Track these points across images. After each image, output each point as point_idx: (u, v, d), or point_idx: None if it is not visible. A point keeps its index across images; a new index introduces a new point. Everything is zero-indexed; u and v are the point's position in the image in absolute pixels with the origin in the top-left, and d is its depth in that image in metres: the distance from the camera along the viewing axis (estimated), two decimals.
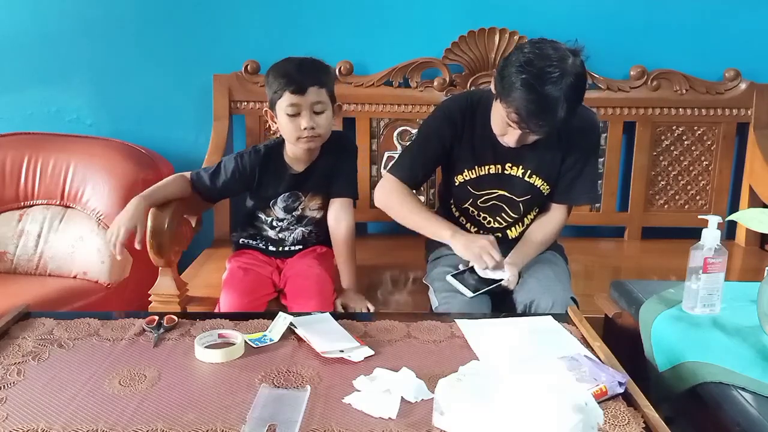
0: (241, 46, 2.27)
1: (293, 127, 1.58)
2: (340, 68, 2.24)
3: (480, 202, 1.68)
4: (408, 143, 2.26)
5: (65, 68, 2.31)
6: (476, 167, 1.64)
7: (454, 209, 1.76)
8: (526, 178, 1.63)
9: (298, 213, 1.74)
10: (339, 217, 1.71)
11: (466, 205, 1.70)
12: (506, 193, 1.66)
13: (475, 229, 1.73)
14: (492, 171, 1.64)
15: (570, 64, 1.38)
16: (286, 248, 1.79)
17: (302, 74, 1.57)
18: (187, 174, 1.72)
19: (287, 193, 1.72)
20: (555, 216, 1.70)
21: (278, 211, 1.73)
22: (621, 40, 2.27)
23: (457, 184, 1.68)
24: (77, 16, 2.26)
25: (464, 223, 1.74)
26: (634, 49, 2.28)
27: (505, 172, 1.64)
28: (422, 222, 1.61)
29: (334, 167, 1.72)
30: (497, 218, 1.70)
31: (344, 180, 1.73)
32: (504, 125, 1.49)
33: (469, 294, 1.52)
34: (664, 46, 2.28)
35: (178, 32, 2.28)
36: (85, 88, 2.32)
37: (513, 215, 1.69)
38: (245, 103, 2.27)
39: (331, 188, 1.73)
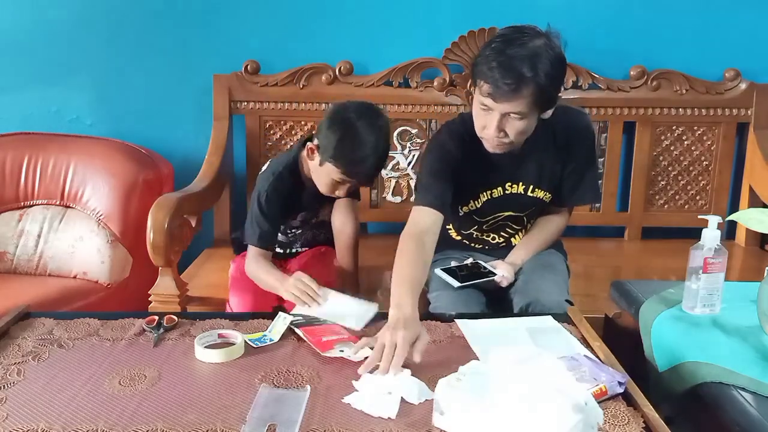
0: (241, 46, 2.27)
1: (332, 189, 1.58)
2: (340, 68, 2.24)
3: (485, 226, 1.67)
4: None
5: (65, 68, 2.31)
6: (480, 195, 1.59)
7: (454, 234, 1.73)
8: (529, 194, 1.59)
9: (313, 221, 1.77)
10: (346, 219, 1.71)
11: (470, 231, 1.69)
12: (512, 213, 1.63)
13: (480, 246, 1.72)
14: (494, 194, 1.59)
15: (543, 39, 1.35)
16: (293, 250, 1.81)
17: (375, 171, 1.57)
18: (262, 253, 1.63)
19: (307, 211, 1.73)
20: (557, 218, 1.68)
21: (296, 222, 1.75)
22: (621, 40, 2.28)
23: (461, 214, 1.65)
24: (77, 16, 2.26)
25: (468, 243, 1.73)
26: (634, 49, 2.28)
27: (507, 191, 1.59)
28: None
29: None
30: (501, 233, 1.69)
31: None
32: (482, 114, 1.41)
33: (456, 284, 1.52)
34: (664, 46, 2.28)
35: (178, 32, 2.28)
36: (85, 88, 2.33)
37: (516, 227, 1.68)
38: (245, 103, 2.27)
39: None
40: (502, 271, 1.57)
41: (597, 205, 2.34)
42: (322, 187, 1.59)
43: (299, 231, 1.78)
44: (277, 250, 1.78)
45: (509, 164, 1.55)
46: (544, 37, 1.36)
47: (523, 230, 1.70)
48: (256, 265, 1.61)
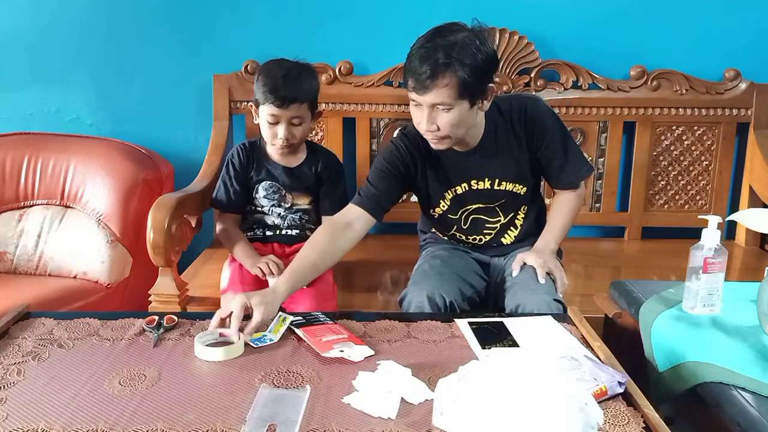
0: (241, 46, 2.27)
1: (270, 133, 1.71)
2: (340, 68, 2.24)
3: (462, 224, 1.66)
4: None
5: (65, 68, 2.31)
6: (446, 194, 1.61)
7: (440, 234, 1.75)
8: (495, 187, 1.59)
9: (288, 205, 1.81)
10: None
11: (452, 232, 1.69)
12: (481, 205, 1.62)
13: (469, 245, 1.71)
14: (459, 191, 1.60)
15: (466, 32, 1.40)
16: (284, 232, 1.83)
17: (287, 88, 1.64)
18: (228, 217, 1.83)
19: (267, 182, 1.79)
20: (567, 200, 1.64)
21: (261, 199, 1.81)
22: (621, 40, 2.27)
23: (436, 216, 1.67)
24: (77, 15, 2.26)
25: (457, 243, 1.73)
26: (634, 49, 2.28)
27: (473, 187, 1.60)
28: None
29: (326, 184, 1.82)
30: (483, 232, 1.67)
31: (337, 201, 1.79)
32: (415, 111, 1.45)
33: (478, 350, 1.26)
34: (664, 46, 2.28)
35: (178, 32, 2.28)
36: (85, 88, 2.33)
37: (494, 223, 1.66)
38: (245, 103, 2.27)
39: (321, 202, 1.82)
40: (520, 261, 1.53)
41: (597, 205, 2.34)
42: (266, 135, 1.73)
43: (266, 209, 1.81)
44: (267, 232, 1.83)
45: (472, 163, 1.56)
46: (468, 31, 1.41)
47: (512, 227, 1.67)
48: (226, 230, 1.79)
